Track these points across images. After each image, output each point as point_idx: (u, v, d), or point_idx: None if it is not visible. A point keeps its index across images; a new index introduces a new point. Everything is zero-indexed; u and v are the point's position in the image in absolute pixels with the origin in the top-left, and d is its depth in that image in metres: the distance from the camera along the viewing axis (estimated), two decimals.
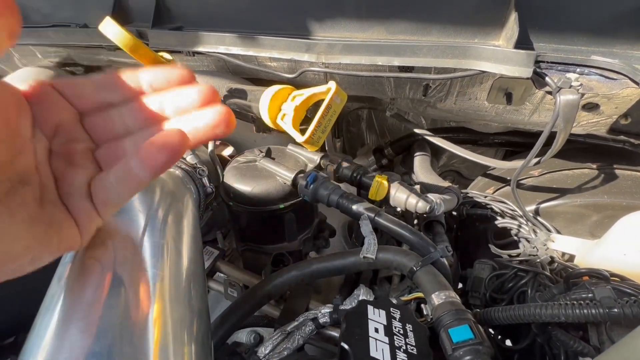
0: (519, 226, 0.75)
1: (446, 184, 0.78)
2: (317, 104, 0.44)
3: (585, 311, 0.37)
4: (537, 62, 0.55)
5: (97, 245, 0.30)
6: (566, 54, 0.56)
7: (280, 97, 0.46)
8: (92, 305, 0.28)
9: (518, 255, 0.71)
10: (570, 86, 0.54)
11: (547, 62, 0.56)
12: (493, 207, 0.80)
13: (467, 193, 0.86)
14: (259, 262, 0.72)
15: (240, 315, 0.54)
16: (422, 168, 0.92)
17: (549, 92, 0.58)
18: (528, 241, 0.72)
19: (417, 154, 0.96)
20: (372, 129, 1.17)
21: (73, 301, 0.28)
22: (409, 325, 0.40)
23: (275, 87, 0.47)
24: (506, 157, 1.06)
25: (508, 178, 0.90)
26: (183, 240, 0.41)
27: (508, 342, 0.61)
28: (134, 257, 0.34)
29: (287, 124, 0.44)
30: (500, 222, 0.77)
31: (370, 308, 0.42)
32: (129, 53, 0.42)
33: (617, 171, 0.76)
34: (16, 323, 0.60)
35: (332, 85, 0.40)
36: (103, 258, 0.30)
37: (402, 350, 0.37)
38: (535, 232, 0.72)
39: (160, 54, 0.49)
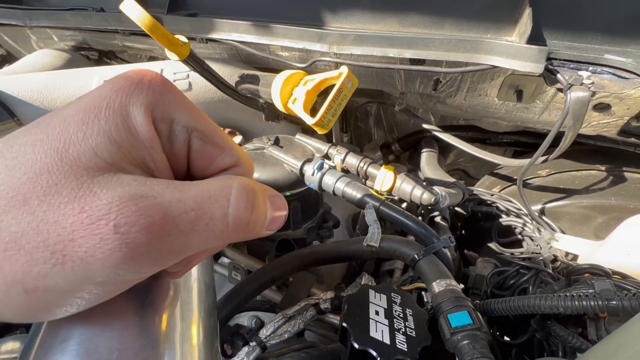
0: (524, 225, 0.74)
1: (452, 180, 0.78)
2: (328, 91, 0.45)
3: (584, 303, 0.37)
4: (549, 58, 0.55)
5: None
6: (579, 51, 0.55)
7: (292, 81, 0.47)
8: None
9: (521, 253, 0.71)
10: (582, 84, 0.54)
11: (560, 60, 0.56)
12: (498, 205, 0.80)
13: (473, 190, 0.86)
14: (263, 248, 0.73)
15: (243, 297, 0.55)
16: (428, 164, 0.92)
17: (560, 90, 0.58)
18: (532, 239, 0.72)
19: (424, 150, 0.96)
20: (380, 124, 1.17)
21: None
22: (409, 310, 0.41)
23: (287, 72, 0.48)
24: (515, 157, 1.05)
25: (515, 177, 0.89)
26: None
27: (507, 339, 0.61)
28: None
29: (298, 108, 0.45)
30: (504, 220, 0.77)
31: (371, 292, 0.43)
32: (148, 33, 0.43)
33: (625, 174, 0.76)
34: None
35: (343, 69, 0.41)
36: None
37: (401, 332, 0.37)
38: (539, 231, 0.72)
39: (177, 36, 0.50)
